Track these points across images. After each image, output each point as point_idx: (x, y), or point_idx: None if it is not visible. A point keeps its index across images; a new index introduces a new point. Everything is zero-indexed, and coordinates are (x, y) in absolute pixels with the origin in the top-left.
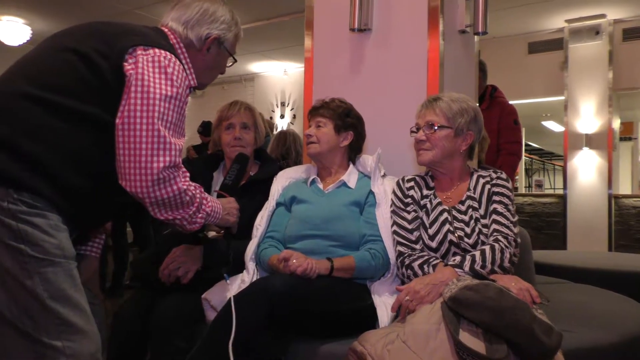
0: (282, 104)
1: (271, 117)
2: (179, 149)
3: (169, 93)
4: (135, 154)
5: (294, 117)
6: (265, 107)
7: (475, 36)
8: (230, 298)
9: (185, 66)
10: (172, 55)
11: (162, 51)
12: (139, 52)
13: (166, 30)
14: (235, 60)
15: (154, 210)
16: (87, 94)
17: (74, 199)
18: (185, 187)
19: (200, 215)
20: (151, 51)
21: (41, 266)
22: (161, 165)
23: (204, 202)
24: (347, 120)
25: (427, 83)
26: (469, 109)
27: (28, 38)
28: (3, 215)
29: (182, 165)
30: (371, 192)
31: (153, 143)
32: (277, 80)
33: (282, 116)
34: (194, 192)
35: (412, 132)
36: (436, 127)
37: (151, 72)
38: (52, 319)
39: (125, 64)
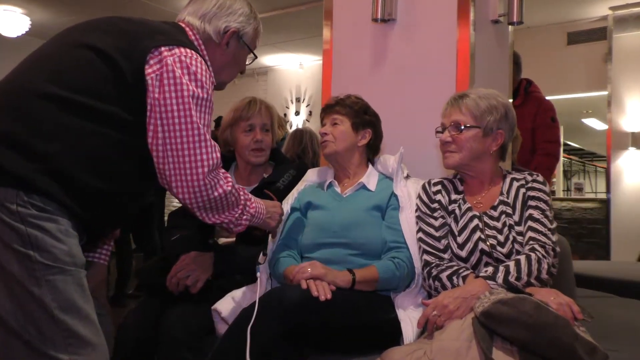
0: (298, 100)
1: (285, 114)
2: (218, 149)
3: (200, 94)
4: (179, 159)
5: (310, 114)
6: (279, 103)
7: (510, 26)
8: (242, 309)
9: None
10: (195, 53)
11: (186, 49)
12: (165, 53)
13: (183, 25)
14: (256, 57)
15: (202, 215)
16: (106, 93)
17: (87, 202)
18: (229, 188)
19: (245, 217)
20: (176, 50)
21: (50, 274)
22: (206, 169)
23: (248, 203)
24: (365, 118)
25: (456, 78)
26: (498, 106)
27: (27, 29)
28: (12, 219)
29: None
30: (394, 195)
31: (195, 147)
32: (292, 74)
33: (297, 113)
34: (237, 192)
35: (437, 132)
36: (462, 127)
37: (178, 72)
38: (60, 331)
39: (147, 65)
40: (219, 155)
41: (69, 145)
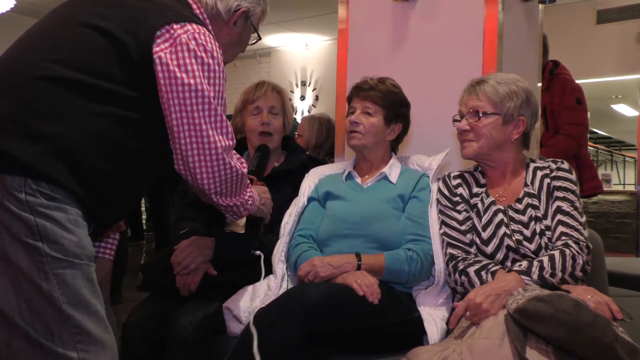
0: (303, 84)
1: (290, 99)
2: (232, 129)
3: (217, 72)
4: (199, 140)
5: (317, 98)
6: (283, 86)
7: (540, 4)
8: (256, 309)
9: None
10: (206, 30)
11: (198, 26)
12: (178, 30)
13: (190, 1)
14: (260, 38)
15: (217, 198)
16: (109, 72)
17: (95, 188)
18: (245, 169)
19: (250, 201)
20: (189, 27)
21: (59, 267)
22: (221, 149)
23: (250, 187)
24: (400, 111)
25: (482, 60)
26: (519, 91)
27: (12, 5)
28: (20, 209)
29: None
30: (421, 189)
31: (216, 127)
32: (297, 56)
33: (302, 97)
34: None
35: (454, 121)
36: (481, 114)
37: (193, 46)
38: (68, 327)
39: (154, 44)
40: (233, 135)
41: (73, 128)
